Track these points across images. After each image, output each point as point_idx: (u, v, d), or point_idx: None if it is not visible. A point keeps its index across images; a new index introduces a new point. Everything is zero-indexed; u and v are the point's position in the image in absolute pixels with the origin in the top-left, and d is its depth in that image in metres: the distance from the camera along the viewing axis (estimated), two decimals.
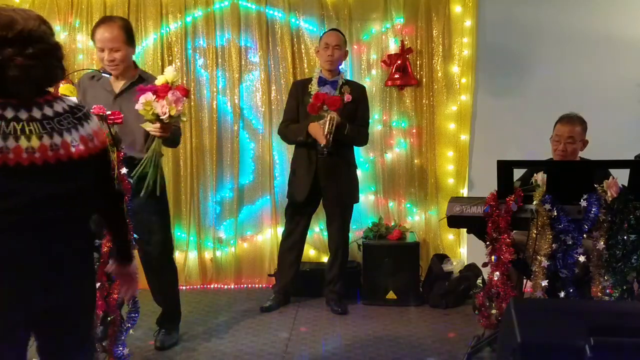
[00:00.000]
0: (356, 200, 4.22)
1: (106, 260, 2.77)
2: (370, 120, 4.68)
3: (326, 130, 3.73)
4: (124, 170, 2.77)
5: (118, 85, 3.29)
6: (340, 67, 4.10)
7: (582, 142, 3.45)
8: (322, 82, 4.00)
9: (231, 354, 3.35)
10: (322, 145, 3.79)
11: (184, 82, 4.62)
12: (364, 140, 4.16)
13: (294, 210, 4.14)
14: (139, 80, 3.30)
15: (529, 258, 2.90)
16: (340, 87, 3.99)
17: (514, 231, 3.00)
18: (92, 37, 3.25)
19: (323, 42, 4.01)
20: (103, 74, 3.23)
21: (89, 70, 3.51)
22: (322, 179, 3.98)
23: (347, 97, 3.90)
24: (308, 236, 4.61)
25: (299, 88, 4.08)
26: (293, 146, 4.20)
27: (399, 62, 4.53)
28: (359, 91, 4.06)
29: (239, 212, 4.72)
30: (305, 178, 3.98)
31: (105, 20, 3.28)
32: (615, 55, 4.51)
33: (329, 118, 3.73)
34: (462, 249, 4.69)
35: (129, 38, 3.26)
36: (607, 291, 2.79)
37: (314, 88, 3.98)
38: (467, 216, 3.02)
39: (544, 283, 2.80)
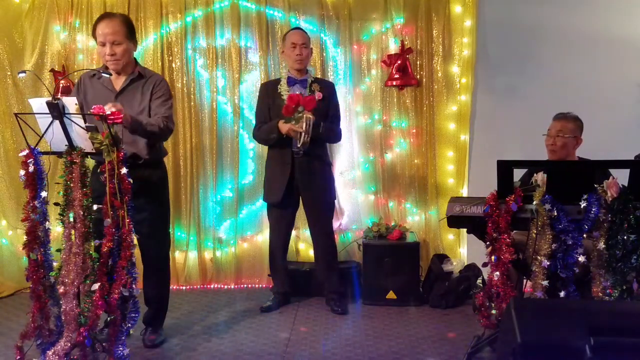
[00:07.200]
0: (334, 197, 4.20)
1: (106, 261, 2.78)
2: (370, 120, 4.69)
3: (303, 129, 3.71)
4: (124, 170, 2.77)
5: (119, 83, 3.29)
6: (308, 66, 4.10)
7: (575, 139, 3.45)
8: (291, 81, 4.00)
9: (231, 354, 3.35)
10: (299, 145, 3.77)
11: (184, 82, 4.63)
12: (338, 137, 4.14)
13: (275, 212, 4.10)
14: (139, 77, 3.31)
15: (529, 258, 2.90)
16: (310, 86, 3.98)
17: (514, 231, 3.00)
18: (94, 33, 3.24)
19: (289, 42, 3.98)
20: (103, 74, 3.22)
21: (89, 70, 3.49)
22: (299, 180, 3.95)
23: (318, 95, 3.90)
24: (307, 235, 4.62)
25: (269, 89, 4.05)
26: None
27: (399, 62, 4.53)
28: (328, 88, 4.05)
29: (239, 212, 4.73)
30: (280, 179, 3.95)
31: (106, 15, 3.29)
32: (615, 55, 4.51)
33: (304, 118, 3.71)
34: (462, 249, 4.69)
35: (130, 33, 3.27)
36: (607, 291, 2.79)
37: (283, 88, 3.97)
38: (467, 216, 3.02)
39: (544, 283, 2.80)
